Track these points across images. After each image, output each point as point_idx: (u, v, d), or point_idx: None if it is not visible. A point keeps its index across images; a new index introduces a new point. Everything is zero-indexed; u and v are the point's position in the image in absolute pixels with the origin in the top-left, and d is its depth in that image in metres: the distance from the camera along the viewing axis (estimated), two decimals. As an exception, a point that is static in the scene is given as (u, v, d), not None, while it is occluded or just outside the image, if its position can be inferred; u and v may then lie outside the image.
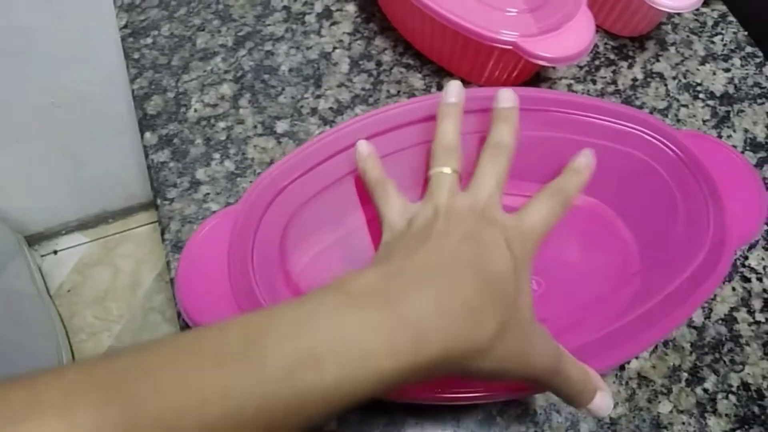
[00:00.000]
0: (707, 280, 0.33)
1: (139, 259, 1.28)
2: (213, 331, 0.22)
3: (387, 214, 0.32)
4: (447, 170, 0.31)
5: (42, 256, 1.27)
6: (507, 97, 0.33)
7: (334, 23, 0.50)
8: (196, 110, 0.46)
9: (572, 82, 0.48)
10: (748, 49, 0.50)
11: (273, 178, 0.36)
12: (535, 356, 0.26)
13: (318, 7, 0.51)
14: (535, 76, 0.48)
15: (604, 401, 0.29)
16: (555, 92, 0.43)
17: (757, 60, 0.50)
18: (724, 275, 0.33)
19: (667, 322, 0.32)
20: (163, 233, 0.42)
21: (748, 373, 0.38)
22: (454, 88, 0.34)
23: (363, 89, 0.47)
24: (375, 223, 0.37)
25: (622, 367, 0.38)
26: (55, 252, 1.28)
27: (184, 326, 0.38)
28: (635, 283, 0.36)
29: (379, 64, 0.48)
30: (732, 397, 0.38)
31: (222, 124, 0.46)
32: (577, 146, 0.37)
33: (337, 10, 0.51)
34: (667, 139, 0.37)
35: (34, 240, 1.26)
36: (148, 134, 0.45)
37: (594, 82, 0.48)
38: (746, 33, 0.51)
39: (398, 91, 0.47)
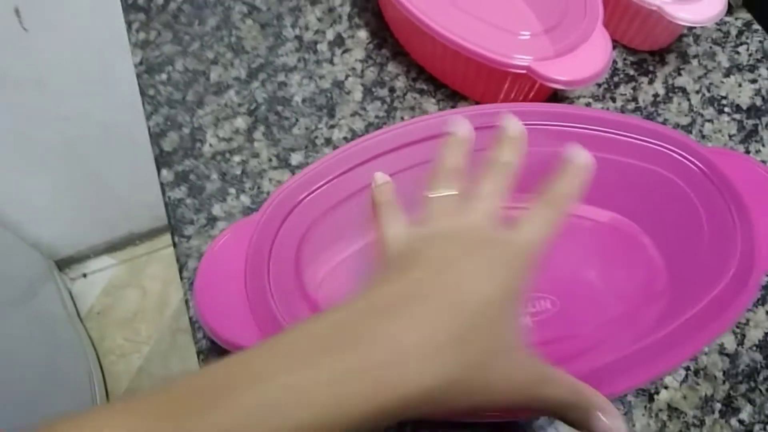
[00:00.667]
0: (734, 302, 0.32)
1: (167, 279, 1.30)
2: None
3: (385, 236, 0.31)
4: (442, 192, 0.32)
5: (72, 279, 1.29)
6: (514, 127, 0.33)
7: (346, 51, 0.50)
8: (211, 145, 0.46)
9: (591, 100, 0.47)
10: (775, 58, 0.49)
11: (291, 190, 0.36)
12: (516, 384, 0.26)
13: (330, 35, 0.51)
14: (553, 95, 0.47)
15: (613, 423, 0.27)
16: (578, 108, 0.42)
17: (785, 69, 0.48)
18: (752, 297, 0.32)
19: (693, 343, 0.31)
20: (181, 271, 0.42)
21: (787, 403, 0.37)
22: (461, 126, 0.34)
23: (377, 117, 0.47)
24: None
25: (651, 399, 0.37)
26: (85, 275, 1.30)
27: (202, 343, 0.38)
28: (661, 302, 0.35)
29: (392, 90, 0.48)
30: (770, 429, 0.36)
31: (237, 158, 0.46)
32: (600, 164, 0.36)
33: (349, 37, 0.51)
34: (692, 155, 0.36)
35: (64, 264, 1.28)
36: (164, 171, 0.46)
37: (614, 99, 0.47)
38: (772, 41, 0.49)
39: (412, 117, 0.47)
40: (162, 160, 0.46)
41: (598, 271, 0.37)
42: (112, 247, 1.31)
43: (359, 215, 0.37)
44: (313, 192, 0.36)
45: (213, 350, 0.38)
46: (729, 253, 0.33)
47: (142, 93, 0.49)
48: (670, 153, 0.36)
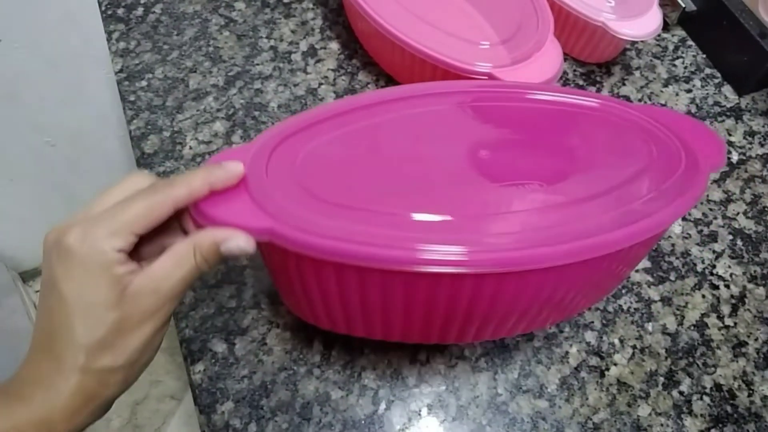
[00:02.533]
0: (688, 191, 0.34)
1: (134, 291, 1.29)
2: None
3: None
4: None
5: (36, 292, 1.28)
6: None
7: (319, 61, 0.53)
8: (191, 147, 0.49)
9: (545, 107, 0.51)
10: (707, 70, 0.54)
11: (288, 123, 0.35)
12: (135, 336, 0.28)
13: (303, 46, 0.54)
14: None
15: (232, 242, 0.29)
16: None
17: (716, 80, 0.53)
18: (703, 188, 0.34)
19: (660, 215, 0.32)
20: (163, 266, 0.44)
21: (720, 375, 0.41)
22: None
23: (349, 122, 0.50)
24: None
25: (602, 374, 0.41)
26: (50, 288, 1.29)
27: (185, 333, 0.40)
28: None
29: (363, 97, 0.51)
30: (706, 398, 0.40)
31: (216, 160, 0.48)
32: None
33: (322, 48, 0.54)
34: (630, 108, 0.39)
35: (28, 276, 1.27)
36: (145, 172, 0.48)
37: (565, 106, 0.52)
38: (704, 56, 0.55)
39: (382, 122, 0.50)
40: (143, 161, 0.48)
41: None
42: (77, 260, 1.29)
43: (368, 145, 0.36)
44: (308, 126, 0.35)
45: (194, 339, 0.41)
46: (674, 163, 0.36)
47: (123, 99, 0.51)
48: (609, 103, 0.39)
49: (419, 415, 0.39)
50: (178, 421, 1.15)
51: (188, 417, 1.16)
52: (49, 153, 0.99)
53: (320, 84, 0.52)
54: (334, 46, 0.54)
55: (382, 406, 0.39)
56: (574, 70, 0.54)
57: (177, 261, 0.28)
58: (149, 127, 0.50)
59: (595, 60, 0.54)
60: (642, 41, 0.55)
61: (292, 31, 0.55)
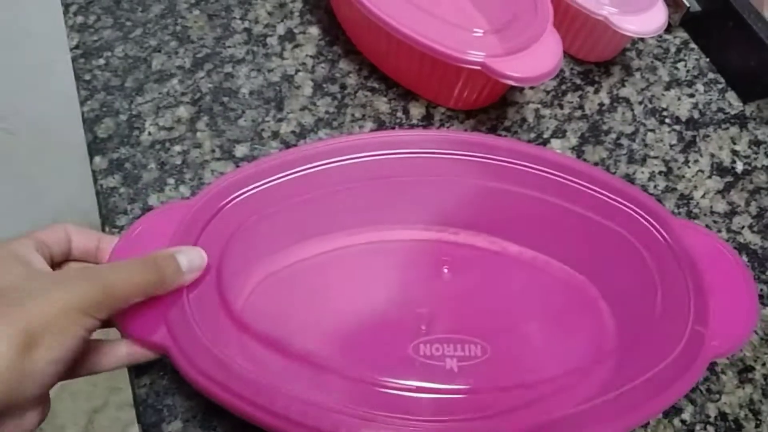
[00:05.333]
0: (674, 384, 0.30)
1: (97, 292, 1.23)
2: None
3: None
4: None
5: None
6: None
7: (297, 46, 0.49)
8: (150, 133, 0.44)
9: (539, 106, 0.48)
10: (711, 75, 0.51)
11: (229, 184, 0.34)
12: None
13: (280, 30, 0.50)
14: (502, 100, 0.47)
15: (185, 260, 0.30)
16: (554, 153, 0.41)
17: (720, 86, 0.50)
18: (698, 377, 0.31)
19: (629, 417, 0.29)
20: (111, 263, 0.39)
21: (725, 403, 0.37)
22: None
23: (327, 113, 0.46)
24: (331, 254, 0.36)
25: (597, 399, 0.37)
26: (7, 285, 1.22)
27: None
28: (608, 365, 0.33)
29: (343, 87, 0.47)
30: (710, 428, 0.36)
31: (177, 148, 0.43)
32: (568, 215, 0.36)
33: (300, 32, 0.50)
34: (662, 226, 0.35)
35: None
36: (97, 158, 0.43)
37: (561, 106, 0.48)
38: (708, 59, 0.52)
39: (363, 115, 0.46)
40: (95, 146, 0.43)
41: (548, 324, 0.35)
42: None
43: (301, 224, 0.36)
44: (251, 190, 0.35)
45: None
46: (678, 332, 0.32)
47: (78, 78, 0.46)
48: (637, 217, 0.36)
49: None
50: (138, 430, 1.09)
51: (148, 427, 1.10)
52: (8, 142, 0.93)
53: (297, 71, 0.48)
54: (314, 31, 0.50)
55: None
56: (572, 69, 0.50)
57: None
58: (104, 109, 0.45)
59: (593, 59, 0.50)
60: (642, 42, 0.52)
61: (269, 13, 0.51)
